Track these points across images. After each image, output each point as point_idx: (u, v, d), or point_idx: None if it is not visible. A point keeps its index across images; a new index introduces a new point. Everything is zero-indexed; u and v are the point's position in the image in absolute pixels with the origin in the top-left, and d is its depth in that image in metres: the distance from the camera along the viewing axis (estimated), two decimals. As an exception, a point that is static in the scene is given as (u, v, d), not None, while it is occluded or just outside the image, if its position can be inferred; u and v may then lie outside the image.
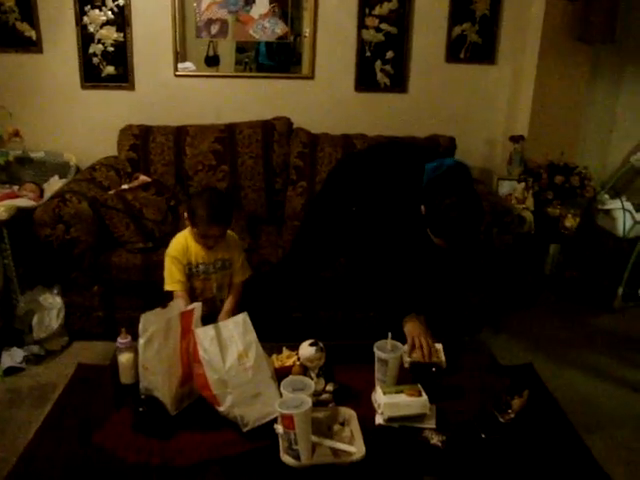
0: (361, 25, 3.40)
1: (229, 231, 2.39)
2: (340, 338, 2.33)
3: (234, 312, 2.19)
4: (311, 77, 3.47)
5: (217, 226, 2.22)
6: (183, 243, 2.32)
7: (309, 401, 1.51)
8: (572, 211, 3.31)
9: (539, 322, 3.25)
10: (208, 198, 2.25)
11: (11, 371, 2.61)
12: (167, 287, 2.30)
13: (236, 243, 2.44)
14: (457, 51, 3.50)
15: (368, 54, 3.45)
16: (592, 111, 3.62)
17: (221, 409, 1.63)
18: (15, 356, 2.66)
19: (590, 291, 3.53)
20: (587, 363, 2.86)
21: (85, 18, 3.26)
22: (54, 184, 3.13)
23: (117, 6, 3.25)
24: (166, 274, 2.31)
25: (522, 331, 3.12)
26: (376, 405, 1.72)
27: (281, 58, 3.49)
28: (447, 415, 1.72)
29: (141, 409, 1.65)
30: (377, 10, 3.38)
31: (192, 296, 2.30)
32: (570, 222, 3.30)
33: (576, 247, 3.50)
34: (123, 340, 1.83)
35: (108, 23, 3.28)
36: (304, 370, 1.77)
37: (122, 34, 3.30)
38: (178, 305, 1.80)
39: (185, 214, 2.29)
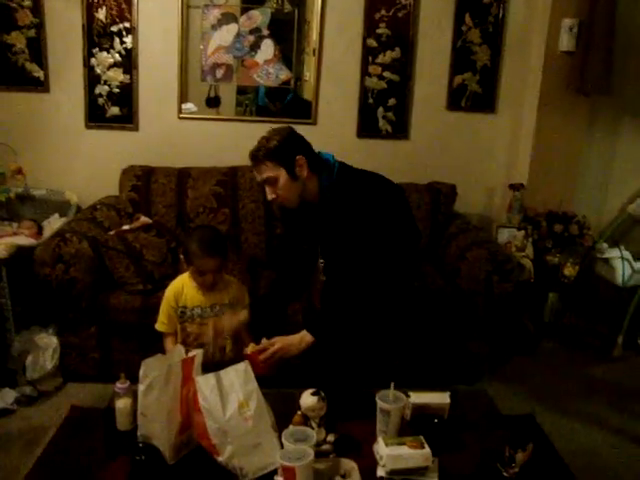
0: (364, 73, 3.47)
1: (232, 278, 2.40)
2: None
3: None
4: (314, 123, 3.51)
5: (211, 258, 2.21)
6: (178, 286, 2.32)
7: (311, 453, 1.48)
8: (571, 259, 3.31)
9: (538, 370, 3.22)
10: (199, 233, 2.31)
11: (1, 413, 2.54)
12: (156, 325, 2.33)
13: (239, 288, 2.40)
14: (458, 100, 3.56)
15: (370, 101, 3.51)
16: (590, 161, 3.67)
17: (220, 459, 1.59)
18: (6, 397, 2.60)
19: (590, 339, 3.52)
20: (587, 413, 2.82)
21: (93, 60, 3.31)
22: (54, 222, 3.13)
23: (125, 49, 3.31)
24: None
25: (522, 379, 3.09)
26: (378, 457, 1.68)
27: (281, 102, 3.53)
28: (449, 468, 1.68)
29: (138, 457, 1.61)
30: (380, 58, 3.45)
31: (186, 341, 2.27)
32: (569, 270, 3.31)
33: (575, 295, 3.50)
34: (122, 385, 1.78)
35: (115, 65, 3.34)
36: (305, 420, 1.74)
37: (128, 76, 3.35)
38: (179, 352, 1.77)
39: (182, 257, 2.30)
